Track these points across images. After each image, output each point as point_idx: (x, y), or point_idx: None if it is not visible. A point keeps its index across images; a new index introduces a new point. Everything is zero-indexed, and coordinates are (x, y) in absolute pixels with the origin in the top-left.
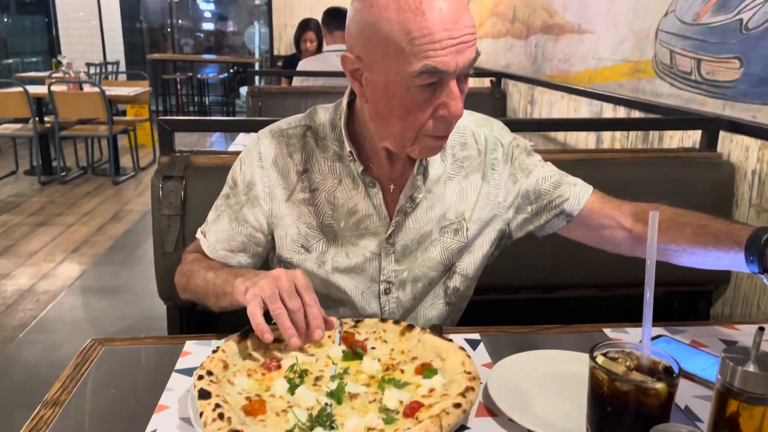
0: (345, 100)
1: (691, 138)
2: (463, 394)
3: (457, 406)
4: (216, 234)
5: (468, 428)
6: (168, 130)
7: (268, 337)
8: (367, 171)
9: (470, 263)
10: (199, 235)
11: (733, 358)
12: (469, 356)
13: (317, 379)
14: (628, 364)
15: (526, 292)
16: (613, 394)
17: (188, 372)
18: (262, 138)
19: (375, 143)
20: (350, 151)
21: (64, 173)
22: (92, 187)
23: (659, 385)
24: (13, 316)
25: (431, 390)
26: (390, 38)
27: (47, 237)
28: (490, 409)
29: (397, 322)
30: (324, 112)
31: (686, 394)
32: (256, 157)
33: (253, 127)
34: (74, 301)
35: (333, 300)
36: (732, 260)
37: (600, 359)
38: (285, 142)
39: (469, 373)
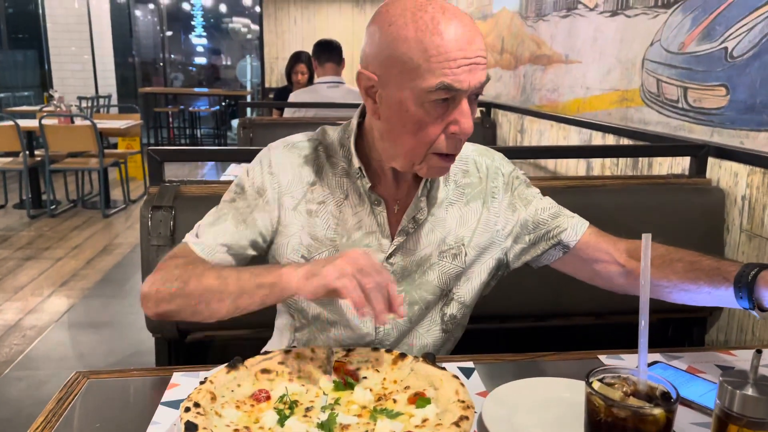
0: (355, 120)
1: (680, 165)
2: (457, 423)
3: None
4: (217, 237)
5: None
6: (158, 160)
7: (367, 311)
8: (373, 189)
9: (468, 291)
10: (190, 238)
11: (731, 382)
12: (462, 385)
13: (308, 410)
14: (624, 389)
15: (520, 320)
16: (610, 420)
17: (175, 405)
18: (273, 148)
19: (382, 163)
20: (359, 167)
21: (53, 207)
22: (82, 221)
23: (657, 411)
24: None
25: (424, 420)
26: (407, 56)
27: (35, 271)
28: None
29: (389, 350)
30: (333, 131)
31: (684, 422)
32: (267, 164)
33: (243, 156)
34: (61, 336)
35: (327, 321)
36: (722, 296)
37: (596, 385)
38: (296, 153)
39: (463, 401)
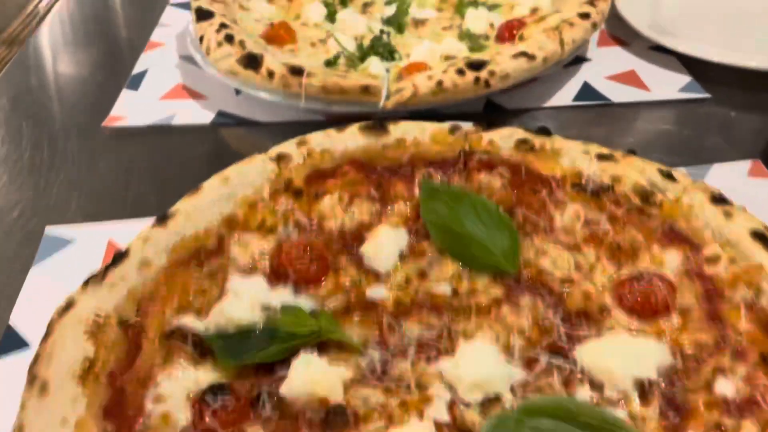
0: None
1: None
2: (592, 3)
3: (585, 16)
4: None
5: (588, 60)
6: None
7: None
8: None
9: None
10: None
11: None
12: None
13: (366, 6)
14: None
15: None
16: None
17: (187, 5)
18: None
19: None
20: None
21: None
22: None
23: None
24: None
25: (534, 9)
26: None
27: None
28: (618, 38)
29: None
30: None
31: None
32: None
33: None
34: None
35: None
36: None
37: None
38: None
39: None
